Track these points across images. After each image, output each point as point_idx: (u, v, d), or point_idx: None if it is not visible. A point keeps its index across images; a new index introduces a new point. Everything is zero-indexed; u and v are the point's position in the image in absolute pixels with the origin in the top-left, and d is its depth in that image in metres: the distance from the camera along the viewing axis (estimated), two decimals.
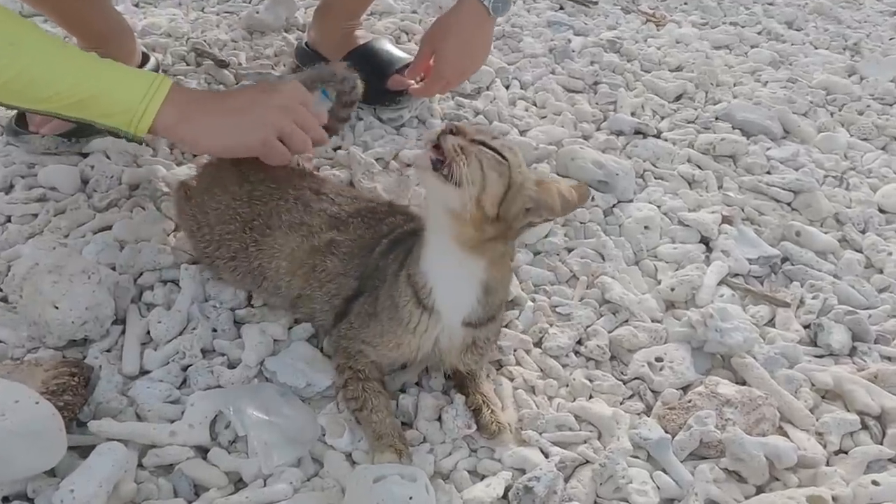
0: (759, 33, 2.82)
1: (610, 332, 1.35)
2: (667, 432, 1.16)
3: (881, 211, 1.78)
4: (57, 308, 1.19)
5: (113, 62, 1.24)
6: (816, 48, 2.74)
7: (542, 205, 1.07)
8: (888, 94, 2.35)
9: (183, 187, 1.39)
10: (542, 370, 1.27)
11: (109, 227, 1.45)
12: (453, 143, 1.01)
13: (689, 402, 1.18)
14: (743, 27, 2.86)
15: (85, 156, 1.63)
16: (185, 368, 1.19)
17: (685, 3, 3.04)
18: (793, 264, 1.58)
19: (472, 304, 1.10)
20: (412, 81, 1.81)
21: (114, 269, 1.34)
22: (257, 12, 2.28)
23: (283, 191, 1.29)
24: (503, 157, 1.03)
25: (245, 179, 1.30)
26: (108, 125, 1.22)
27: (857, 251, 1.65)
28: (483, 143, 1.04)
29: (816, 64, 2.56)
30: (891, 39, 2.95)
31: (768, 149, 1.95)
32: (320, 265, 1.23)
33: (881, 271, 1.59)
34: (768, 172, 1.86)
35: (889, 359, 1.37)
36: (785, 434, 1.21)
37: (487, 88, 2.10)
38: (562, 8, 2.79)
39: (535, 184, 1.07)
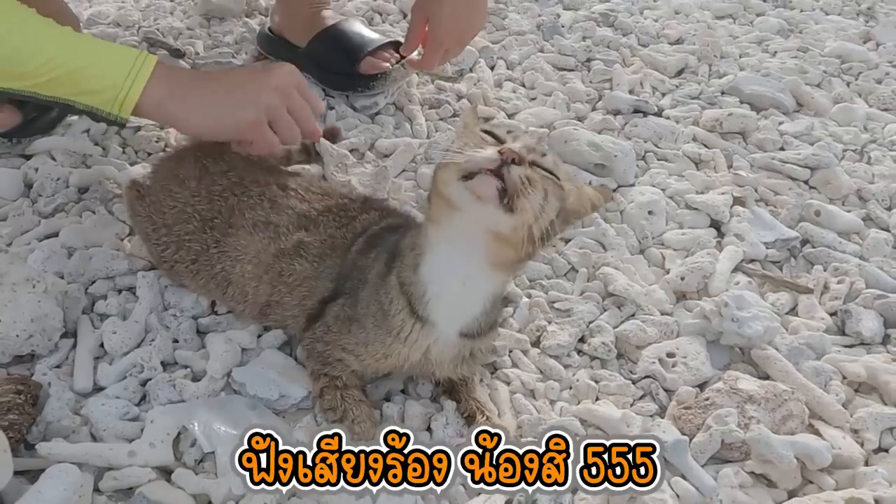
0: (764, 0, 2.80)
1: (615, 327, 1.35)
2: (684, 434, 1.15)
3: None
4: (15, 323, 1.19)
5: (91, 37, 1.25)
6: (827, 14, 2.75)
7: (578, 215, 1.07)
8: None
9: (135, 186, 1.38)
10: (541, 372, 1.27)
11: (57, 234, 1.45)
12: (520, 174, 0.95)
13: (707, 400, 1.17)
14: None
15: (28, 157, 1.64)
16: (143, 383, 1.18)
17: None
18: (814, 247, 1.58)
19: (476, 315, 1.09)
20: (385, 64, 1.83)
21: (62, 277, 1.33)
22: None
23: (246, 185, 1.28)
24: (558, 178, 1.01)
25: (205, 172, 1.29)
26: (90, 105, 1.21)
27: (883, 230, 1.65)
28: (536, 164, 1.00)
29: (828, 31, 2.57)
30: None
31: (780, 123, 1.96)
32: (288, 269, 1.22)
33: None
34: (782, 148, 1.86)
35: None
36: (816, 432, 1.20)
37: (471, 70, 2.11)
38: None
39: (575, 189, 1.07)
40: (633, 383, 1.26)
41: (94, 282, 1.35)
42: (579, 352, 1.32)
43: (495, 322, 1.15)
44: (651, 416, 1.22)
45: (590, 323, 1.35)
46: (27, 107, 1.63)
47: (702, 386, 1.25)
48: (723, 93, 2.07)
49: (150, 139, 1.74)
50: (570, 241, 1.54)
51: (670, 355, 1.28)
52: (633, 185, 1.71)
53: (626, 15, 2.53)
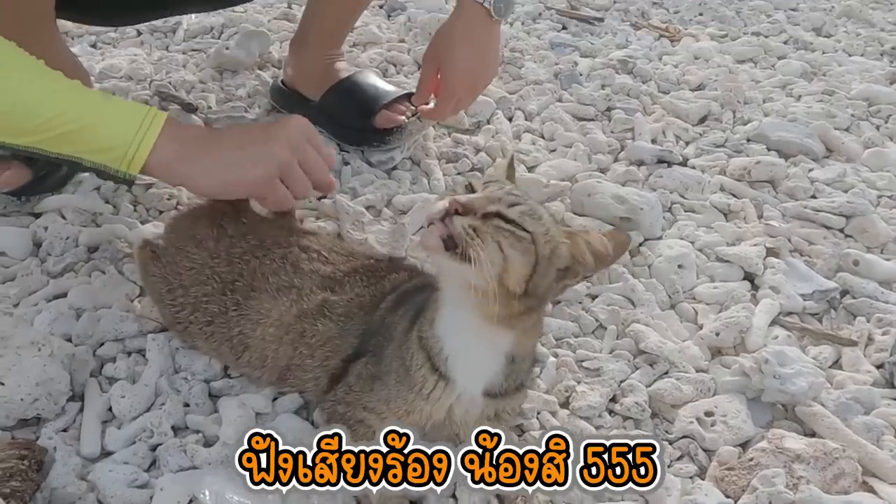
0: (784, 42, 2.89)
1: (648, 386, 1.34)
2: (728, 497, 1.15)
3: None
4: (2, 384, 1.19)
5: (100, 91, 1.31)
6: (850, 55, 2.81)
7: (577, 263, 1.04)
8: None
9: (148, 246, 1.39)
10: (572, 434, 1.21)
11: (65, 295, 1.45)
12: (462, 224, 0.97)
13: (751, 460, 1.15)
14: (766, 37, 2.89)
15: (37, 216, 1.65)
16: (153, 448, 1.18)
17: (700, 15, 3.11)
18: (854, 297, 1.57)
19: (495, 374, 1.09)
20: (401, 118, 1.84)
21: (69, 340, 1.34)
22: (227, 48, 2.29)
23: (267, 248, 1.29)
24: (524, 229, 0.99)
25: (223, 233, 1.31)
26: (97, 162, 1.22)
27: None
28: (499, 215, 0.99)
29: (853, 73, 2.62)
30: None
31: (810, 170, 1.97)
32: (311, 329, 1.22)
33: None
34: (813, 196, 1.87)
35: None
36: (872, 490, 1.19)
37: (488, 122, 2.12)
38: (564, 28, 2.85)
39: (568, 235, 1.05)
40: (670, 444, 1.25)
41: (102, 344, 1.35)
42: (611, 412, 1.31)
43: (522, 383, 1.14)
44: (691, 477, 1.20)
45: (621, 382, 1.34)
46: (37, 164, 1.64)
47: (744, 445, 1.24)
48: (749, 140, 2.07)
49: (161, 197, 1.75)
50: (596, 297, 1.54)
51: (708, 414, 1.27)
52: (660, 237, 1.71)
53: (645, 61, 2.55)
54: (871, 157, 2.04)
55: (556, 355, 1.41)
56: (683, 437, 1.25)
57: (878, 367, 1.42)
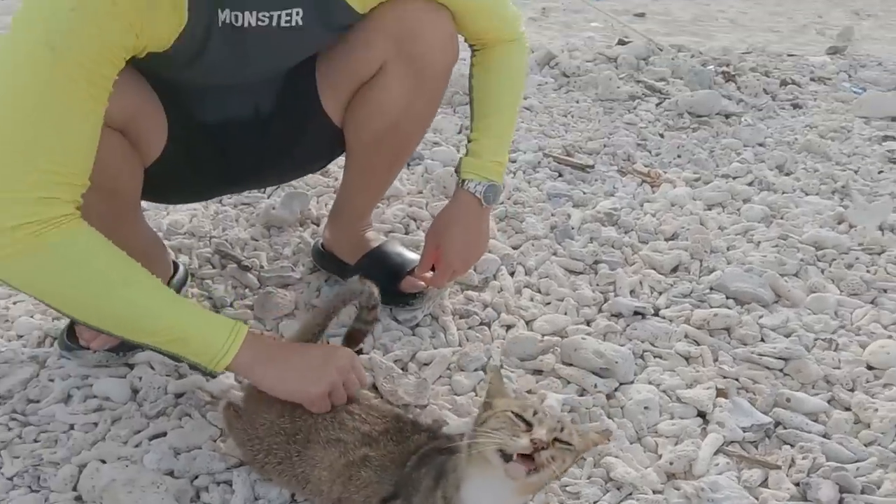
0: (750, 184, 3.07)
1: None
2: None
3: (869, 368, 1.94)
4: None
5: (195, 304, 1.50)
6: (807, 194, 3.00)
7: (583, 453, 1.28)
8: (875, 244, 2.56)
9: (232, 407, 1.56)
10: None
11: (163, 433, 1.62)
12: (546, 456, 1.16)
13: None
14: (735, 179, 3.11)
15: (132, 367, 1.80)
16: None
17: (678, 157, 3.34)
18: (785, 428, 1.72)
19: None
20: (422, 283, 2.00)
21: (172, 473, 1.51)
22: (273, 208, 2.51)
23: (321, 417, 1.47)
24: (571, 444, 1.21)
25: (290, 412, 1.49)
26: (193, 361, 1.43)
27: (846, 409, 1.80)
28: (558, 440, 1.19)
29: (807, 214, 2.78)
30: (880, 173, 3.23)
31: (760, 316, 2.13)
32: (356, 475, 1.37)
33: (868, 426, 1.74)
34: (762, 340, 2.03)
35: None
36: None
37: (494, 278, 2.26)
38: (560, 175, 3.07)
39: (581, 437, 1.25)
40: None
41: (197, 477, 1.51)
42: None
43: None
44: None
45: (595, 503, 1.49)
46: None
47: None
48: (711, 289, 2.23)
49: None
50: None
51: None
52: (632, 382, 1.84)
53: (628, 211, 2.74)
54: (813, 301, 2.20)
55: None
56: None
57: (796, 485, 1.57)
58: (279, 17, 1.56)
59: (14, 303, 2.09)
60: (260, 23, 1.55)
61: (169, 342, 1.41)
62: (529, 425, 1.20)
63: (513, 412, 1.23)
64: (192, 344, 1.41)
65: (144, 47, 1.45)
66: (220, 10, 1.50)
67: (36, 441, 1.62)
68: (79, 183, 1.37)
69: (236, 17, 1.52)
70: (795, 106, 4.28)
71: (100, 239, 1.39)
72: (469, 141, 1.89)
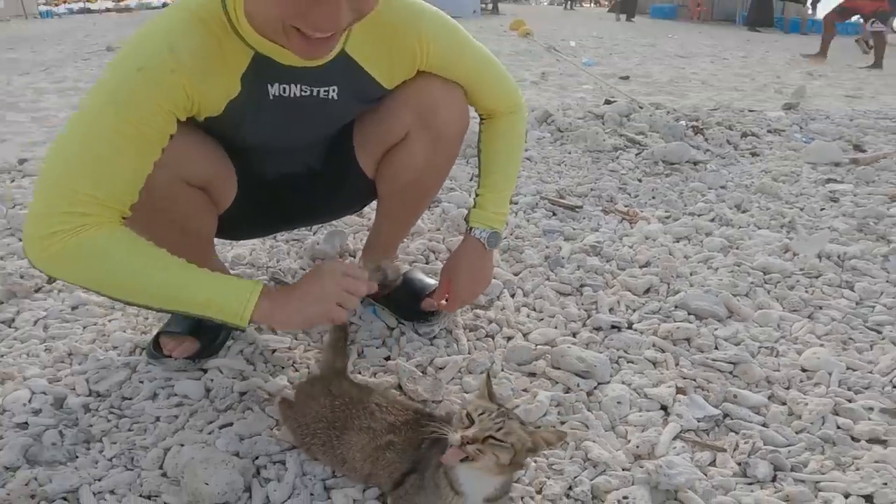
0: (711, 220, 3.10)
1: (591, 480, 1.53)
2: None
3: (803, 370, 1.96)
4: (207, 485, 1.44)
5: (220, 275, 1.51)
6: (759, 228, 3.01)
7: (536, 449, 1.30)
8: (814, 269, 2.59)
9: (286, 401, 1.62)
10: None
11: (230, 423, 1.67)
12: (472, 448, 1.23)
13: None
14: (699, 216, 3.15)
15: (205, 371, 1.87)
16: None
17: (653, 198, 3.39)
18: (731, 419, 1.75)
19: (493, 489, 1.30)
20: (441, 302, 2.01)
21: (238, 454, 1.57)
22: (318, 243, 2.59)
23: (354, 404, 1.51)
24: (508, 443, 1.24)
25: (328, 394, 1.54)
26: (221, 319, 1.43)
27: (782, 404, 1.81)
28: (492, 437, 1.23)
29: (758, 245, 2.80)
30: (822, 210, 3.26)
31: (715, 329, 2.15)
32: (382, 457, 1.42)
33: (800, 417, 1.76)
34: (716, 348, 2.05)
35: (802, 481, 1.55)
36: None
37: (497, 298, 2.30)
38: (554, 214, 3.12)
39: (529, 434, 1.28)
40: None
41: (258, 457, 1.57)
42: (567, 496, 1.49)
43: (509, 489, 1.35)
44: None
45: (574, 478, 1.53)
46: (202, 338, 1.91)
47: None
48: (675, 307, 2.26)
49: (283, 359, 1.95)
50: (564, 422, 1.72)
51: (625, 497, 1.46)
52: (608, 382, 1.88)
53: (609, 243, 2.77)
54: (760, 316, 2.22)
55: (535, 462, 1.57)
56: None
57: (739, 464, 1.60)
58: (318, 91, 1.64)
59: (110, 320, 2.19)
60: (303, 93, 1.63)
61: (199, 308, 1.43)
62: (472, 423, 1.27)
63: (466, 412, 1.29)
64: (218, 306, 1.42)
65: (199, 110, 1.52)
66: (269, 85, 1.59)
67: (129, 430, 1.68)
68: (116, 208, 1.43)
69: (284, 89, 1.61)
70: (754, 154, 4.34)
71: (124, 236, 1.43)
72: (476, 195, 1.92)
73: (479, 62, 1.79)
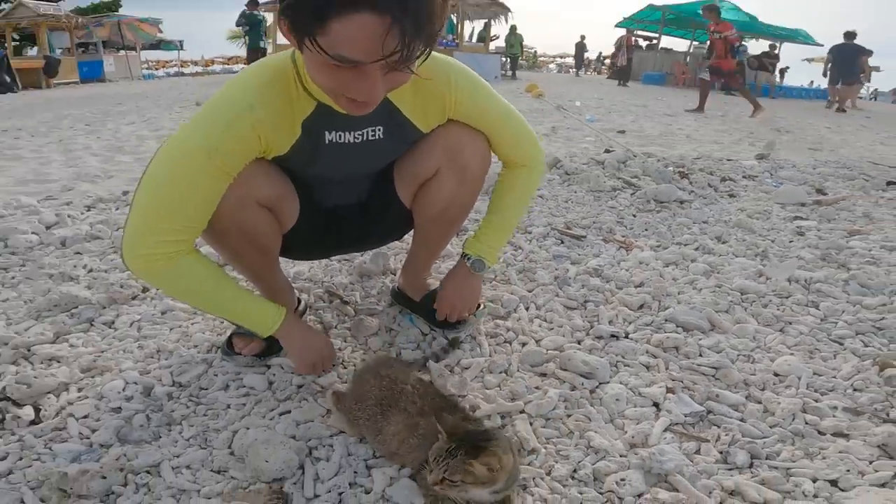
0: (696, 249, 3.04)
1: (593, 465, 1.50)
2: None
3: (775, 374, 1.92)
4: (267, 462, 1.42)
5: (258, 298, 1.73)
6: (737, 256, 2.96)
7: (491, 479, 1.23)
8: (784, 291, 2.54)
9: (337, 393, 1.63)
10: (550, 489, 1.43)
11: (288, 411, 1.66)
12: (439, 488, 1.23)
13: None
14: (685, 246, 3.09)
15: (269, 367, 1.86)
16: (339, 495, 1.39)
17: (646, 230, 3.34)
18: (714, 415, 1.71)
19: (490, 497, 1.26)
20: (466, 314, 2.01)
21: (294, 437, 1.55)
22: (365, 262, 2.59)
23: (396, 387, 1.50)
24: (456, 481, 1.21)
25: (379, 385, 1.52)
26: (255, 331, 1.71)
27: (757, 402, 1.78)
28: (446, 479, 1.21)
29: (736, 270, 2.75)
30: (790, 242, 3.19)
31: (700, 339, 2.11)
32: (408, 441, 1.40)
33: (773, 414, 1.73)
34: (700, 355, 2.01)
35: (775, 468, 1.52)
36: None
37: (514, 311, 2.27)
38: (562, 242, 3.08)
39: (469, 466, 1.22)
40: (601, 494, 1.41)
41: (310, 440, 1.55)
42: (572, 477, 1.47)
43: (512, 484, 1.29)
44: None
45: (578, 462, 1.51)
46: (267, 339, 1.85)
47: (639, 496, 1.40)
48: (665, 321, 2.22)
49: (338, 358, 1.91)
50: (570, 415, 1.68)
51: (622, 479, 1.43)
52: (608, 382, 1.84)
53: (609, 267, 2.73)
54: (738, 329, 2.18)
55: (545, 448, 1.55)
56: (608, 490, 1.42)
57: (720, 453, 1.57)
58: (367, 132, 1.65)
59: (192, 324, 2.20)
60: (355, 140, 1.65)
61: (238, 318, 1.69)
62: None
63: (432, 456, 1.27)
64: (253, 321, 1.68)
65: (269, 152, 1.56)
66: (326, 132, 1.61)
67: (205, 415, 1.68)
68: (197, 231, 1.55)
69: (339, 136, 1.62)
70: (731, 195, 4.29)
71: (200, 262, 1.58)
72: (479, 227, 1.93)
73: (502, 116, 1.77)
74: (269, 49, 14.18)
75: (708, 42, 11.54)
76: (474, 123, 1.77)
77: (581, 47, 29.56)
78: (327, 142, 1.58)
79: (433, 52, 1.58)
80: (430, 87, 1.62)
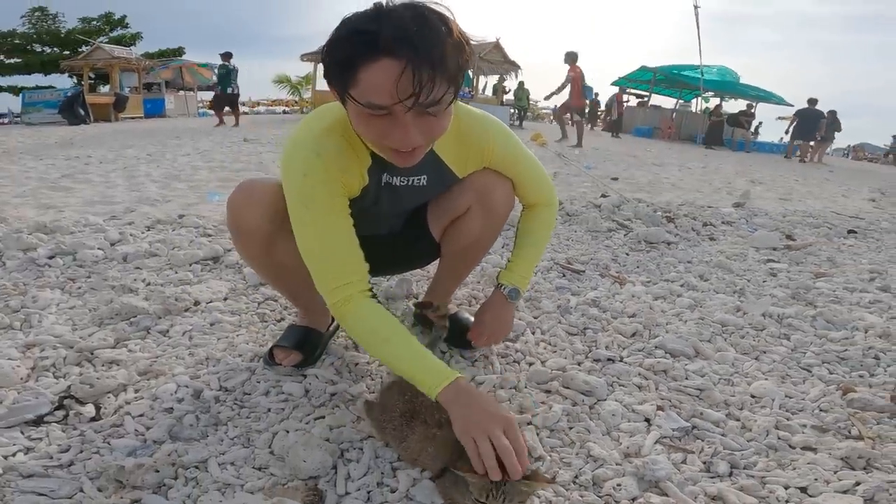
0: (682, 286, 3.02)
1: (593, 471, 1.50)
2: None
3: (752, 396, 1.91)
4: (304, 462, 1.42)
5: (427, 356, 1.41)
6: (717, 293, 2.94)
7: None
8: (759, 324, 2.53)
9: (368, 402, 1.59)
10: (555, 492, 1.42)
11: (323, 416, 1.64)
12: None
13: None
14: (672, 282, 3.06)
15: (305, 376, 1.84)
16: (368, 492, 1.38)
17: (637, 268, 3.32)
18: (698, 430, 1.71)
19: None
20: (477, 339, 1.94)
21: (328, 440, 1.53)
22: (391, 287, 2.58)
23: (418, 402, 1.45)
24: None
25: (403, 398, 1.48)
26: (419, 386, 1.40)
27: (736, 420, 1.77)
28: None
29: (717, 305, 2.74)
30: (764, 282, 3.18)
31: (686, 364, 2.10)
32: (426, 449, 1.39)
33: (750, 430, 1.73)
34: (686, 378, 2.01)
35: (752, 476, 1.52)
36: None
37: (522, 335, 2.27)
38: (564, 275, 3.07)
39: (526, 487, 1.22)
40: (601, 498, 1.40)
41: (342, 443, 1.54)
42: (574, 482, 1.46)
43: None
44: None
45: (580, 469, 1.51)
46: (305, 352, 1.88)
47: (633, 500, 1.40)
48: (655, 347, 2.21)
49: (364, 370, 1.91)
50: (572, 428, 1.67)
51: (618, 485, 1.43)
52: (605, 399, 1.84)
53: (605, 298, 2.70)
54: (719, 356, 2.16)
55: (550, 457, 1.54)
56: (606, 494, 1.41)
57: (704, 462, 1.56)
58: (413, 179, 1.70)
59: (237, 335, 2.20)
60: (402, 183, 1.69)
61: (406, 373, 1.42)
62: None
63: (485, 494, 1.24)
64: (417, 381, 1.40)
65: (348, 194, 1.56)
66: (384, 175, 1.65)
67: (248, 417, 1.67)
68: (359, 270, 1.52)
69: (392, 178, 1.67)
70: (711, 238, 4.29)
71: (375, 309, 1.48)
72: (510, 261, 1.90)
73: (528, 167, 1.80)
74: (238, 91, 14.71)
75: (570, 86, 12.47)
76: (503, 170, 1.80)
77: (596, 105, 29.10)
78: (383, 184, 1.61)
79: (472, 108, 1.63)
80: (471, 141, 1.64)
